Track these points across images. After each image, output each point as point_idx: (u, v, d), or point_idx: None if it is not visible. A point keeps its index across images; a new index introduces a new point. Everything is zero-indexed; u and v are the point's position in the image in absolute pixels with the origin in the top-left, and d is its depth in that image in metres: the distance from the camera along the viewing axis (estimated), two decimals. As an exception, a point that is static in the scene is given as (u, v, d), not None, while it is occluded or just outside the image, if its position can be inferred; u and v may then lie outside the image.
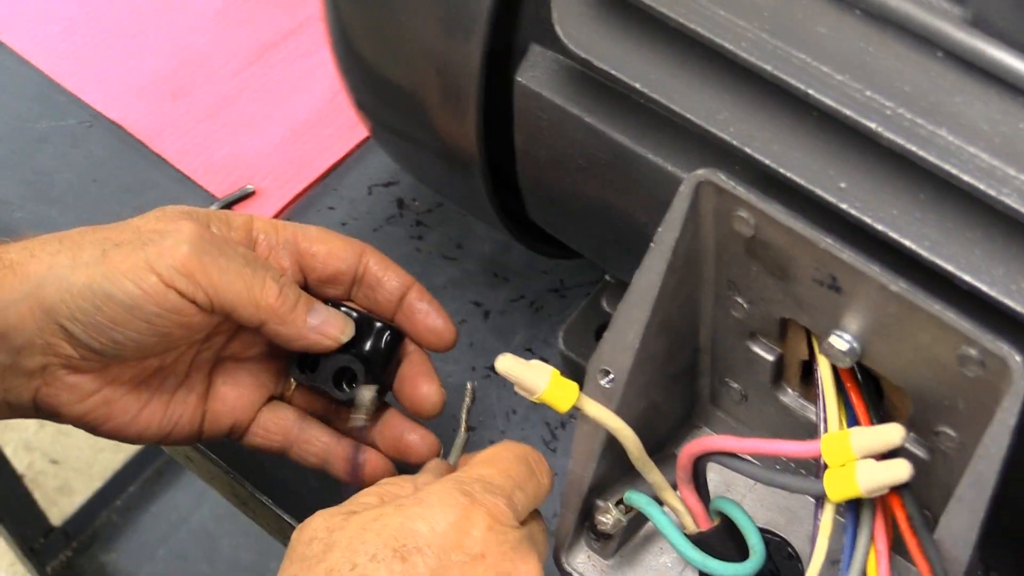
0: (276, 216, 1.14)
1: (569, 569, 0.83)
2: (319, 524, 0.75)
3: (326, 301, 0.89)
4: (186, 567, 1.98)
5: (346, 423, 0.91)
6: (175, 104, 1.20)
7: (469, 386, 0.94)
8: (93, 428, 0.87)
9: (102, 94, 1.21)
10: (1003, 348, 0.65)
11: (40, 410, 0.86)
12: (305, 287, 0.90)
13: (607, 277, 1.02)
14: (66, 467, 2.24)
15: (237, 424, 0.91)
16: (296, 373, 0.90)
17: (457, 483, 0.76)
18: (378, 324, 0.89)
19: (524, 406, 1.03)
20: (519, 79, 0.82)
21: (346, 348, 0.88)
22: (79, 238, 0.84)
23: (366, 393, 0.89)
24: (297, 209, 1.14)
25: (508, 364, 0.75)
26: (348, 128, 1.17)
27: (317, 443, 0.91)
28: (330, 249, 0.89)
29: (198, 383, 0.90)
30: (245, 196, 1.14)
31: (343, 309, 0.89)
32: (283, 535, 1.03)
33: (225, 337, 0.90)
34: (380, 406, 0.92)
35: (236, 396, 0.91)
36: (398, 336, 0.90)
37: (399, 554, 0.72)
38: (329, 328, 0.86)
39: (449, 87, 0.84)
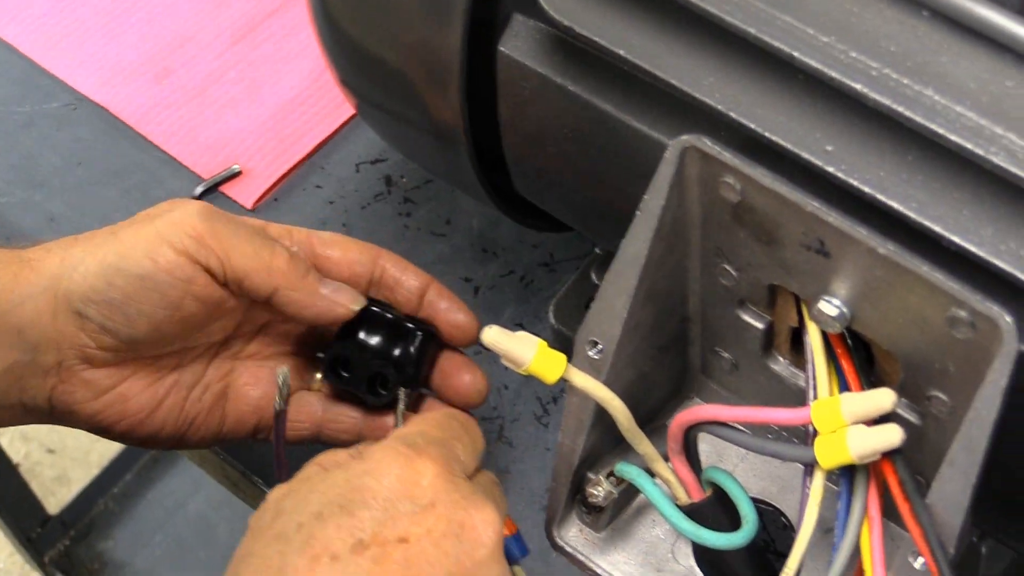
0: (264, 196, 1.13)
1: (561, 543, 0.83)
2: (270, 496, 0.74)
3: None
4: (183, 554, 1.97)
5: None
6: (160, 85, 1.19)
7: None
8: (107, 428, 0.87)
9: (86, 77, 1.20)
10: (993, 309, 0.64)
11: (55, 410, 0.85)
12: None
13: (597, 250, 1.01)
14: (63, 456, 2.24)
15: (262, 422, 0.90)
16: (330, 378, 0.89)
17: (398, 438, 0.75)
18: (409, 325, 0.88)
19: (515, 382, 1.02)
20: (502, 49, 0.81)
21: (379, 353, 0.87)
22: (94, 232, 0.85)
23: (401, 395, 0.88)
24: (284, 188, 1.14)
25: (494, 336, 0.75)
26: (334, 106, 1.16)
27: (348, 420, 0.90)
28: (344, 254, 0.89)
29: (215, 383, 0.89)
30: (232, 176, 1.14)
31: (374, 309, 0.88)
32: (275, 515, 1.02)
33: (244, 341, 0.90)
34: (415, 400, 0.91)
35: (259, 396, 0.90)
36: (430, 336, 0.89)
37: (345, 509, 0.71)
38: (341, 296, 0.86)
39: (432, 59, 0.84)
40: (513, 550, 0.81)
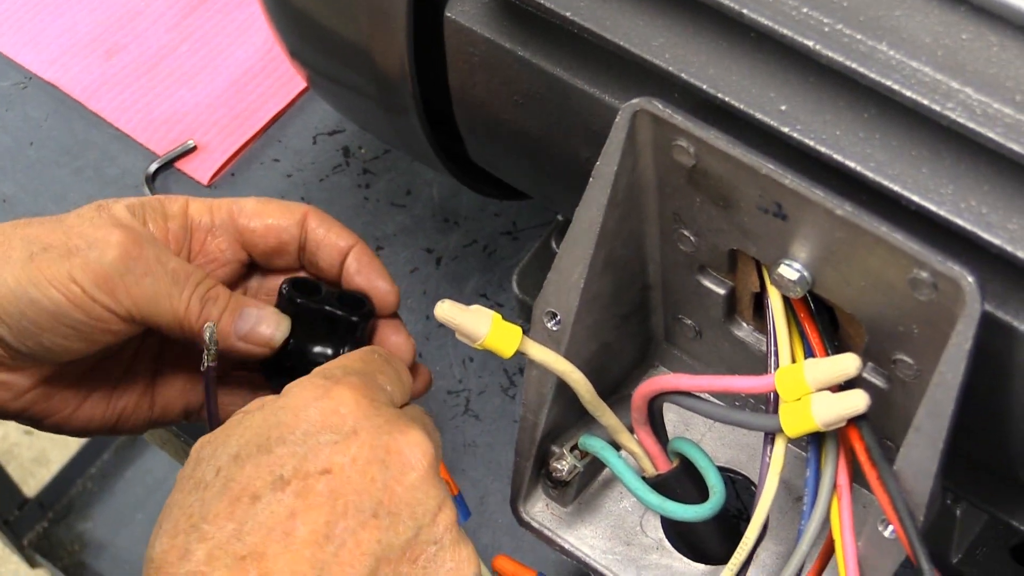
0: (220, 171, 1.11)
1: (527, 519, 0.81)
2: (193, 448, 0.72)
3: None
4: (164, 533, 1.95)
5: None
6: (110, 61, 1.17)
7: None
8: (36, 423, 0.85)
9: (36, 55, 1.18)
10: (954, 269, 0.62)
11: None
12: (252, 263, 0.87)
13: (559, 217, 0.99)
14: (41, 437, 2.22)
15: (190, 406, 0.88)
16: (274, 382, 0.84)
17: (316, 373, 0.73)
18: (351, 318, 0.84)
19: (480, 354, 1.01)
20: (448, 14, 0.79)
21: (322, 355, 0.83)
22: (10, 233, 0.81)
23: None
24: (241, 163, 1.12)
25: (447, 311, 0.72)
26: (289, 78, 1.14)
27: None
28: (268, 224, 0.85)
29: (142, 372, 0.87)
30: (187, 152, 1.12)
31: (310, 306, 0.83)
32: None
33: None
34: None
35: (185, 379, 0.88)
36: (367, 319, 0.85)
37: (263, 448, 0.69)
38: (257, 335, 0.82)
39: (379, 27, 0.82)
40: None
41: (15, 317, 0.78)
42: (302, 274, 0.87)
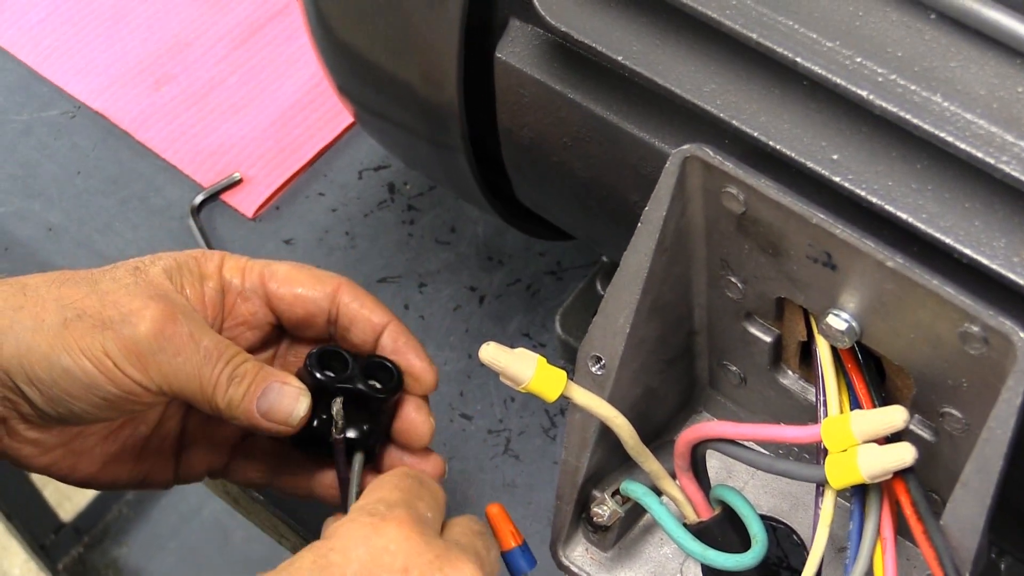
0: (265, 204, 1.11)
1: (567, 563, 0.81)
2: None
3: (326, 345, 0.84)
4: (198, 560, 1.96)
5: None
6: (159, 92, 1.17)
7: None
8: (62, 478, 0.84)
9: (85, 84, 1.18)
10: (1006, 325, 0.62)
11: (7, 459, 0.83)
12: (280, 328, 0.86)
13: (604, 258, 0.99)
14: (78, 461, 2.22)
15: (212, 467, 0.87)
16: (301, 447, 0.85)
17: (359, 510, 0.73)
18: (377, 395, 0.82)
19: (522, 394, 1.00)
20: (499, 55, 0.79)
21: (349, 420, 0.82)
22: (44, 294, 0.79)
23: (357, 460, 0.83)
24: (286, 196, 1.12)
25: (492, 353, 0.72)
26: (336, 112, 1.14)
27: (301, 471, 0.86)
28: (297, 293, 0.84)
29: (168, 435, 0.86)
30: (232, 184, 1.12)
31: (339, 385, 0.82)
32: (277, 532, 1.00)
33: None
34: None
35: (208, 442, 0.87)
36: (394, 394, 0.84)
37: None
38: (276, 414, 0.80)
39: (429, 66, 0.81)
40: (520, 562, 0.79)
41: (47, 384, 0.78)
42: (330, 344, 0.85)
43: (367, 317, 0.84)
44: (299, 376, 0.82)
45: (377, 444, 0.84)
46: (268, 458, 0.87)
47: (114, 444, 0.84)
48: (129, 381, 0.78)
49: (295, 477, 0.87)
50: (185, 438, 0.87)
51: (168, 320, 0.78)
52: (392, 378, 0.83)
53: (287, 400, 0.80)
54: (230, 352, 0.80)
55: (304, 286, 0.84)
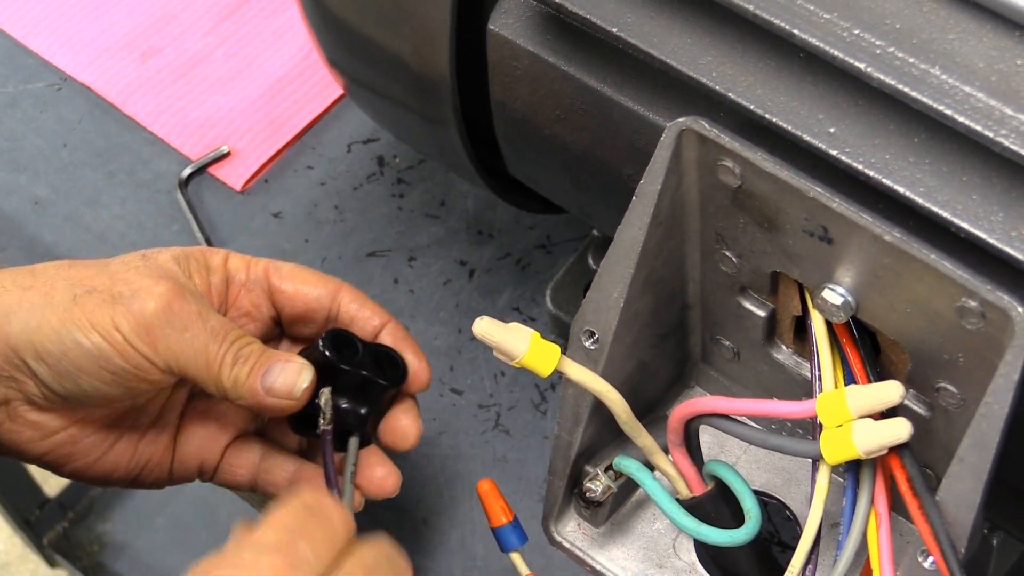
0: (253, 177, 1.11)
1: (559, 539, 0.80)
2: None
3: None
4: (184, 536, 1.95)
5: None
6: (146, 65, 1.16)
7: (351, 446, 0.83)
8: (55, 468, 0.83)
9: (71, 56, 1.17)
10: (1004, 299, 0.61)
11: (1, 446, 0.82)
12: (279, 324, 0.86)
13: (594, 232, 0.98)
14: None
15: (205, 464, 0.86)
16: (299, 430, 0.85)
17: (219, 561, 0.68)
18: (380, 381, 0.83)
19: (512, 368, 1.00)
20: (491, 27, 0.78)
21: (348, 413, 0.82)
22: (53, 274, 0.80)
23: (352, 446, 0.83)
24: (274, 169, 1.11)
25: (485, 328, 0.72)
26: (325, 84, 1.13)
27: (281, 473, 0.86)
28: (299, 287, 0.85)
29: (171, 423, 0.86)
30: (220, 157, 1.11)
31: (343, 367, 0.81)
32: (263, 507, 1.00)
33: None
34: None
35: (202, 436, 0.86)
36: (398, 383, 0.84)
37: None
38: (279, 388, 0.80)
39: (420, 37, 0.81)
40: (511, 538, 0.79)
41: (56, 357, 0.77)
42: (341, 328, 0.85)
43: (367, 317, 0.85)
44: (309, 358, 0.82)
45: (373, 432, 0.84)
46: (256, 459, 0.86)
47: (113, 433, 0.83)
48: (138, 355, 0.78)
49: (278, 478, 0.86)
50: (182, 429, 0.86)
51: (177, 297, 0.79)
52: (398, 369, 0.84)
53: (290, 374, 0.80)
54: (236, 333, 0.80)
55: (307, 283, 0.85)
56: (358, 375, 0.82)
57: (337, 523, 0.72)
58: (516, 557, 0.79)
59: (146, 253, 0.82)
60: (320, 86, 1.13)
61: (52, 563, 2.01)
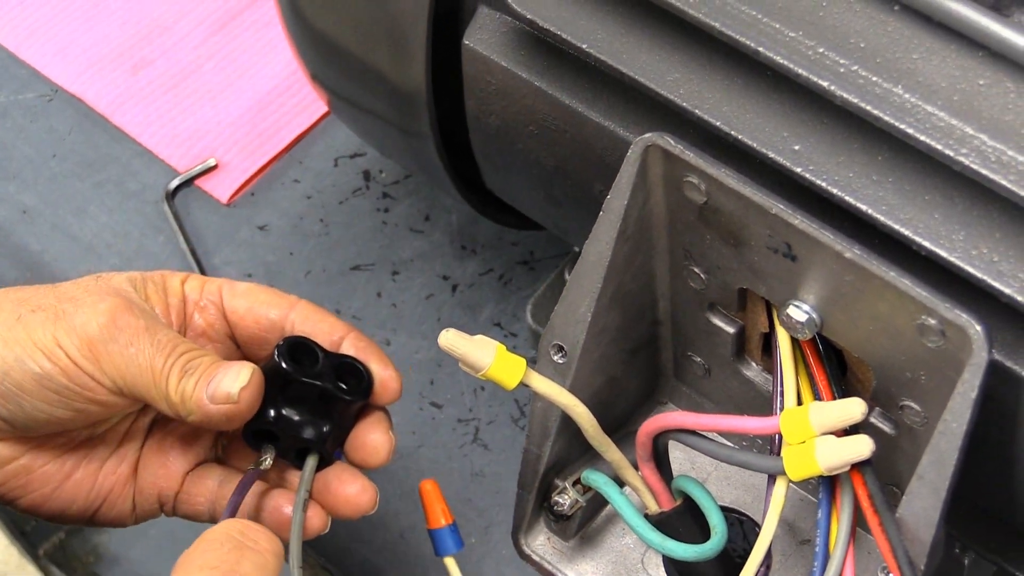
0: (240, 190, 1.11)
1: (528, 551, 0.80)
2: None
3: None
4: (178, 548, 1.94)
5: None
6: (136, 77, 1.17)
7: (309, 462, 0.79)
8: (11, 502, 0.79)
9: (62, 67, 1.18)
10: (962, 317, 0.61)
11: None
12: (235, 344, 0.82)
13: (576, 248, 0.98)
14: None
15: (163, 494, 0.81)
16: (255, 446, 0.79)
17: None
18: (344, 396, 0.78)
19: (492, 384, 1.00)
20: (466, 42, 0.79)
21: (305, 426, 0.77)
22: (1, 297, 0.77)
23: (309, 463, 0.78)
24: (261, 182, 1.12)
25: (452, 339, 0.72)
26: (312, 99, 1.14)
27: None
28: (252, 305, 0.80)
29: (131, 452, 0.81)
30: (208, 170, 1.12)
31: (303, 379, 0.77)
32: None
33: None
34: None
35: (159, 463, 0.81)
36: (362, 398, 0.79)
37: None
38: (220, 392, 0.75)
39: (398, 52, 0.81)
40: (447, 542, 0.78)
41: None
42: (303, 337, 0.80)
43: (326, 331, 0.80)
44: (265, 370, 0.77)
45: (334, 450, 0.79)
46: (212, 488, 0.82)
47: (69, 462, 0.80)
48: (81, 373, 0.74)
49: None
50: (140, 462, 0.82)
51: (123, 312, 0.75)
52: (362, 380, 0.79)
53: (231, 376, 0.76)
54: (185, 346, 0.76)
55: (260, 301, 0.81)
56: (316, 387, 0.77)
57: (269, 556, 0.70)
58: (450, 562, 0.78)
59: (101, 275, 0.79)
60: (307, 101, 1.14)
61: (48, 574, 2.01)
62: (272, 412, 0.77)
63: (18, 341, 0.74)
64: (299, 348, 0.78)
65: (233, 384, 0.75)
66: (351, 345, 0.80)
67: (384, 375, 0.79)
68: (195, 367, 0.75)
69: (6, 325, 0.75)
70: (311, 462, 0.77)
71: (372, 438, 0.79)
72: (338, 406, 0.78)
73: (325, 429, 0.77)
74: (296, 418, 0.77)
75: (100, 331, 0.74)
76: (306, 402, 0.77)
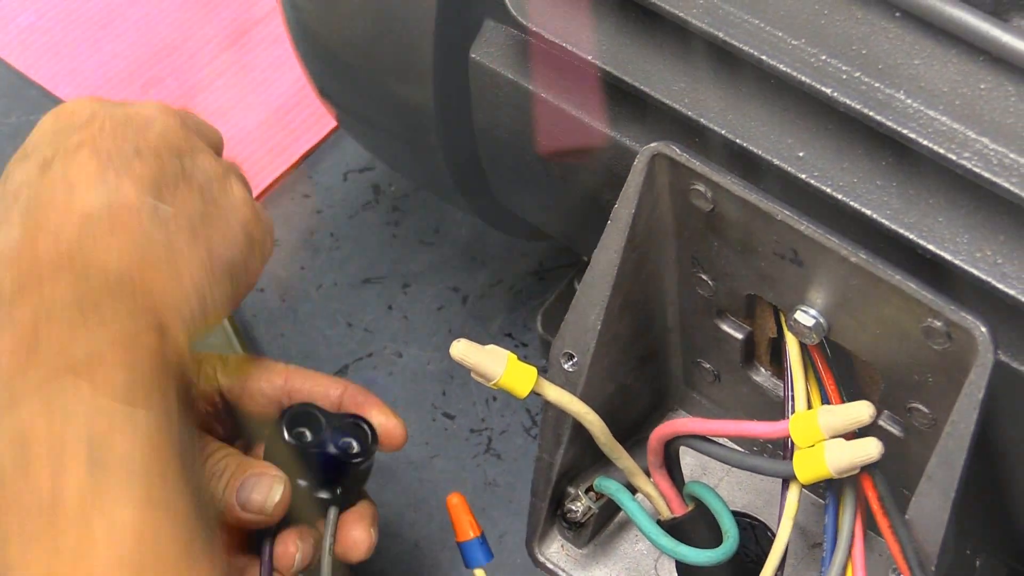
0: (251, 205, 1.12)
1: (542, 560, 0.81)
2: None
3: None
4: None
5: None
6: (147, 94, 1.18)
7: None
8: None
9: (73, 87, 1.19)
10: (967, 319, 0.62)
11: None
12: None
13: (585, 258, 0.99)
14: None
15: None
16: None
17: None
18: (355, 460, 0.80)
19: (504, 393, 1.00)
20: (473, 56, 0.80)
21: (322, 483, 0.80)
22: None
23: (331, 516, 0.80)
24: (271, 198, 1.12)
25: (463, 350, 0.73)
26: (321, 114, 1.15)
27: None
28: (246, 384, 0.81)
29: None
30: (219, 186, 1.12)
31: (312, 450, 0.79)
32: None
33: None
34: None
35: None
36: (369, 456, 0.81)
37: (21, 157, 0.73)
38: (252, 504, 0.76)
39: (405, 67, 0.82)
40: (477, 554, 0.79)
41: None
42: (304, 404, 0.81)
43: (323, 393, 0.82)
44: (270, 440, 0.80)
45: (350, 504, 0.82)
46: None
47: None
48: None
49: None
50: None
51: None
52: (367, 438, 0.81)
53: (263, 488, 0.77)
54: (211, 448, 0.77)
55: (252, 376, 0.81)
56: (324, 455, 0.79)
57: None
58: (480, 574, 0.79)
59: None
60: (316, 116, 1.15)
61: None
62: (301, 478, 0.79)
63: None
64: (302, 417, 0.80)
65: (266, 499, 0.76)
66: (350, 400, 0.82)
67: (388, 425, 0.81)
68: (221, 469, 0.77)
69: None
70: (333, 513, 0.80)
71: (353, 535, 0.80)
72: (348, 468, 0.80)
73: (339, 492, 0.80)
74: (307, 486, 0.80)
75: None
76: (318, 469, 0.80)
